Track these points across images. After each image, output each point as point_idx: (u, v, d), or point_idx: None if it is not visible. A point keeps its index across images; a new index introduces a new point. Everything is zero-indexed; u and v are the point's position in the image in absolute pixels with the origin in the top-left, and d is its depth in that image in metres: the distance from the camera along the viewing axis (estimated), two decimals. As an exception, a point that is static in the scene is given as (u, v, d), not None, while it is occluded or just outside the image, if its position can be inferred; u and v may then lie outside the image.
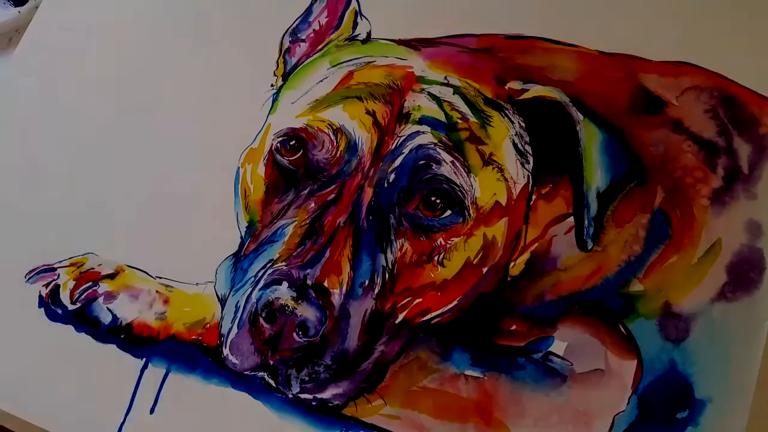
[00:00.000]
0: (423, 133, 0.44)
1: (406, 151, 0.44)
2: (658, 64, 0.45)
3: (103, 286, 0.50)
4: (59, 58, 0.58)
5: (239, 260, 0.47)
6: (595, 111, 0.44)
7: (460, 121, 0.45)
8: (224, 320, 0.45)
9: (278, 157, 0.47)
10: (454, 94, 0.46)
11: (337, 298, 0.42)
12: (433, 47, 0.48)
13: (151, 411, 0.46)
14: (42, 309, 0.51)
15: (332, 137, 0.45)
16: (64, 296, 0.50)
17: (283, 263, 0.43)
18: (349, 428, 0.43)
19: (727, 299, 0.40)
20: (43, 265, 0.52)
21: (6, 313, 0.51)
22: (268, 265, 0.43)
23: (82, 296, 0.50)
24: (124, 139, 0.54)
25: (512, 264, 0.44)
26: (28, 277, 0.52)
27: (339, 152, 0.45)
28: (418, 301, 0.43)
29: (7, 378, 0.50)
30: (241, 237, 0.48)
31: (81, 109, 0.56)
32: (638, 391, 0.40)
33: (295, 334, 0.41)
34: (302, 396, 0.43)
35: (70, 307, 0.50)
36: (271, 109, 0.51)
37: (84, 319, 0.50)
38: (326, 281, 0.42)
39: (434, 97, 0.45)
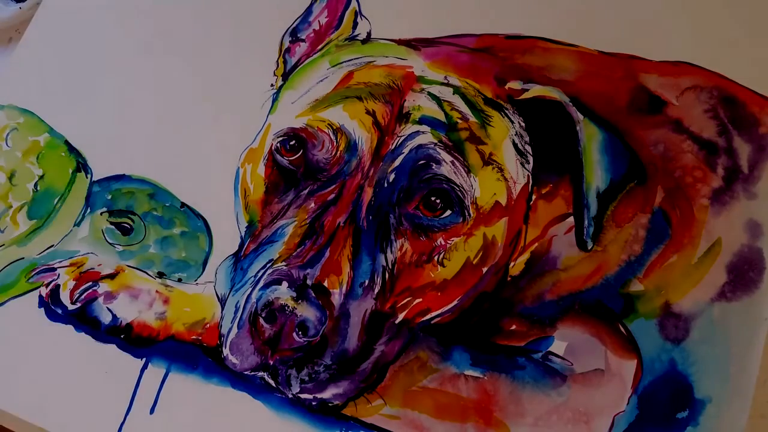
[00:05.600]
0: (423, 132, 0.44)
1: (406, 150, 0.44)
2: (658, 64, 0.45)
3: (103, 286, 0.50)
4: (60, 56, 0.58)
5: (239, 260, 0.47)
6: (595, 111, 0.44)
7: (460, 120, 0.45)
8: (224, 320, 0.45)
9: (278, 157, 0.47)
10: (454, 93, 0.46)
11: (337, 298, 0.42)
12: (433, 47, 0.48)
13: (151, 411, 0.46)
14: (42, 309, 0.51)
15: (332, 137, 0.45)
16: (64, 296, 0.50)
17: (283, 263, 0.43)
18: (349, 428, 0.43)
19: (727, 299, 0.40)
20: (43, 265, 0.52)
21: (6, 313, 0.51)
22: (268, 265, 0.43)
23: (82, 296, 0.50)
24: (123, 138, 0.54)
25: (512, 264, 0.44)
26: (28, 278, 0.52)
27: (339, 152, 0.45)
28: (418, 301, 0.43)
29: (7, 378, 0.50)
30: (241, 237, 0.48)
31: (81, 108, 0.56)
32: (638, 391, 0.40)
33: (294, 334, 0.41)
34: (302, 396, 0.43)
35: (70, 307, 0.50)
36: (270, 109, 0.51)
37: (84, 319, 0.50)
38: (326, 281, 0.42)
39: (434, 97, 0.45)
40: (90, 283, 0.50)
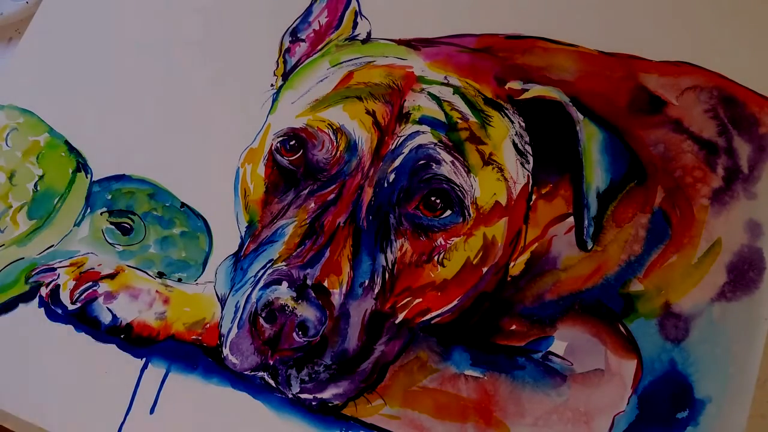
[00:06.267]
0: (423, 132, 0.44)
1: (406, 150, 0.44)
2: (658, 64, 0.45)
3: (103, 286, 0.50)
4: (60, 55, 0.58)
5: (239, 260, 0.47)
6: (595, 111, 0.44)
7: (460, 120, 0.45)
8: (224, 320, 0.45)
9: (278, 157, 0.47)
10: (454, 93, 0.46)
11: (336, 298, 0.42)
12: (433, 47, 0.48)
13: (151, 411, 0.46)
14: (42, 309, 0.51)
15: (332, 137, 0.45)
16: (64, 296, 0.50)
17: (283, 263, 0.43)
18: (349, 428, 0.43)
19: (726, 299, 0.40)
20: (43, 265, 0.52)
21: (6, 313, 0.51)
22: (268, 265, 0.43)
23: (82, 296, 0.50)
24: (123, 138, 0.54)
25: (512, 264, 0.44)
26: (28, 278, 0.52)
27: (339, 152, 0.45)
28: (418, 301, 0.43)
29: (8, 378, 0.50)
30: (241, 237, 0.48)
31: (81, 108, 0.56)
32: (638, 391, 0.40)
33: (294, 334, 0.41)
34: (302, 396, 0.43)
35: (70, 307, 0.50)
36: (270, 109, 0.51)
37: (84, 319, 0.50)
38: (326, 281, 0.42)
39: (434, 97, 0.45)
40: (90, 283, 0.50)
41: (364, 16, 0.51)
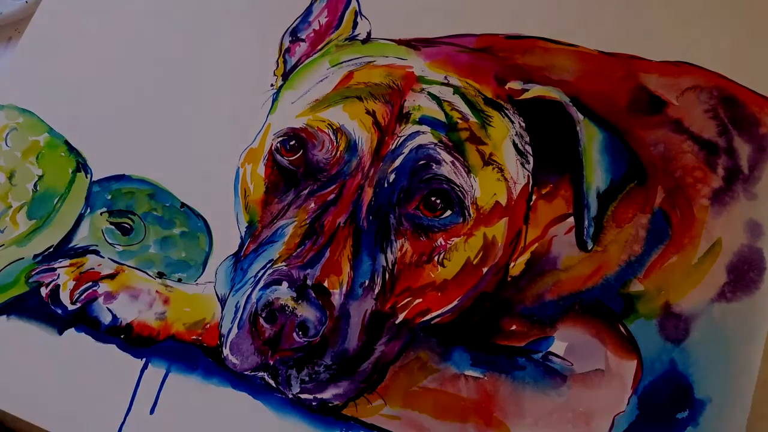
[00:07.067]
0: (423, 133, 0.44)
1: (406, 151, 0.44)
2: (658, 64, 0.45)
3: (103, 286, 0.50)
4: (60, 55, 0.58)
5: (239, 260, 0.47)
6: (595, 111, 0.44)
7: (460, 121, 0.45)
8: (224, 320, 0.45)
9: (278, 157, 0.47)
10: (454, 93, 0.46)
11: (337, 299, 0.42)
12: (433, 47, 0.48)
13: (151, 411, 0.46)
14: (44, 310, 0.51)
15: (332, 137, 0.45)
16: (64, 296, 0.50)
17: (283, 263, 0.43)
18: (349, 428, 0.43)
19: (727, 299, 0.40)
20: (43, 265, 0.52)
21: (6, 313, 0.51)
22: (268, 265, 0.43)
23: (82, 296, 0.50)
24: (123, 138, 0.54)
25: (512, 264, 0.44)
26: (28, 278, 0.52)
27: (339, 152, 0.45)
28: (418, 301, 0.43)
29: (8, 378, 0.50)
30: (241, 237, 0.48)
31: (81, 108, 0.56)
32: (638, 391, 0.40)
33: (295, 334, 0.41)
34: (302, 396, 0.43)
35: (70, 307, 0.50)
36: (270, 109, 0.51)
37: (84, 319, 0.50)
38: (326, 281, 0.42)
39: (434, 97, 0.45)
40: (90, 283, 0.50)
41: (364, 16, 0.51)
